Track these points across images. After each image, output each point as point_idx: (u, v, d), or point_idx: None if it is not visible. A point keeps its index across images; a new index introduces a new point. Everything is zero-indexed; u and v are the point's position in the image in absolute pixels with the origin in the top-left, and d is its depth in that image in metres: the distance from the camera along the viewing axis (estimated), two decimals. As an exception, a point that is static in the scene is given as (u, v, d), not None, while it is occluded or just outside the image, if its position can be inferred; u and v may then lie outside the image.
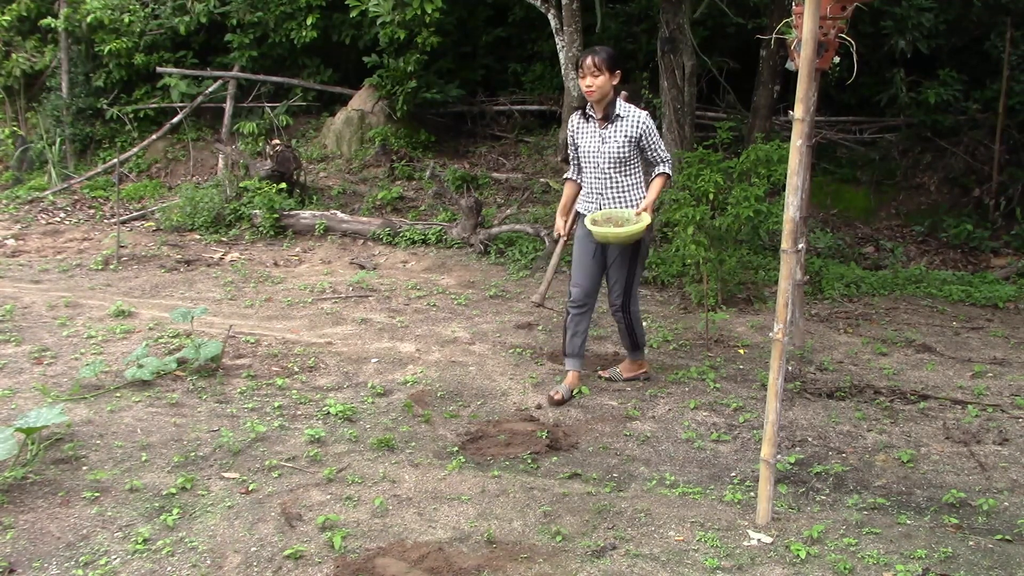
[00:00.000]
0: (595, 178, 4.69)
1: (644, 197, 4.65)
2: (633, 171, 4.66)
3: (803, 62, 3.24)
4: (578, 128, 4.73)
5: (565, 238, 5.16)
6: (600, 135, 4.62)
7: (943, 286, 7.35)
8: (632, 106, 4.65)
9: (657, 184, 4.66)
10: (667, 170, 4.65)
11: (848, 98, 9.67)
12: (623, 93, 4.97)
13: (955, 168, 9.32)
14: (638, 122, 4.58)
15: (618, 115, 4.59)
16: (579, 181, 4.84)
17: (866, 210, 9.27)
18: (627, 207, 4.65)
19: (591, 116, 4.65)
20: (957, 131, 9.43)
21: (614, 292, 4.86)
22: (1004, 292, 7.19)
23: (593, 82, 4.49)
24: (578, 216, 4.84)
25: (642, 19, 10.52)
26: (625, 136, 4.58)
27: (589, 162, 4.68)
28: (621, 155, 4.59)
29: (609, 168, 4.62)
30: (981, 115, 9.34)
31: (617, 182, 4.65)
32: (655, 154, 4.66)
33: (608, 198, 4.67)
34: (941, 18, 8.76)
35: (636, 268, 4.81)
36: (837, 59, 5.29)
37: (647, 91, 9.61)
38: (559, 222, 4.98)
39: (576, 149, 4.77)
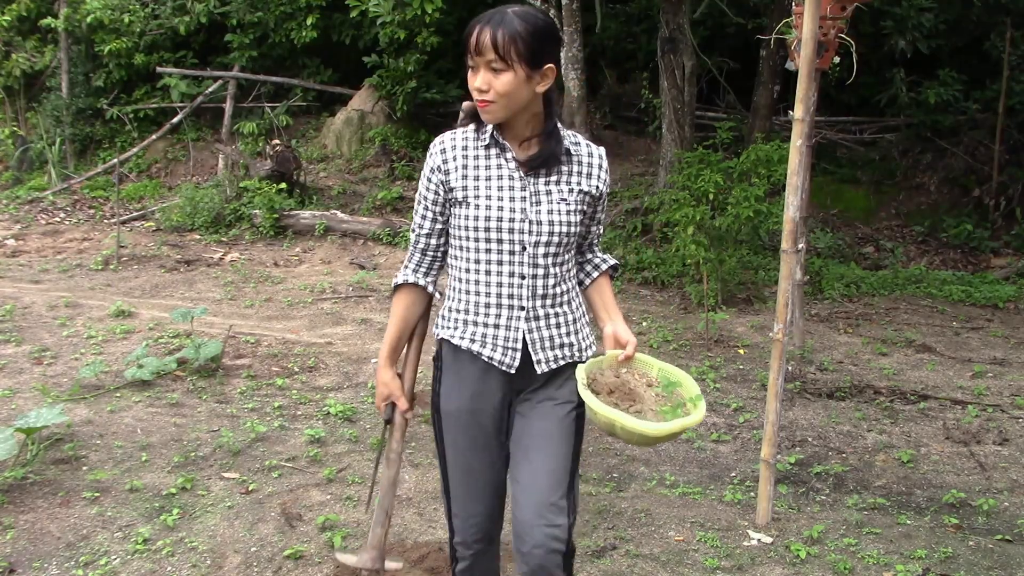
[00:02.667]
0: (509, 275, 2.22)
1: (582, 307, 2.38)
2: (570, 259, 2.33)
3: (803, 62, 3.24)
4: (463, 167, 2.22)
5: (409, 415, 2.44)
6: (528, 187, 2.21)
7: (943, 286, 7.35)
8: (578, 135, 2.36)
9: (610, 289, 2.43)
10: (612, 260, 2.46)
11: (848, 98, 9.68)
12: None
13: (955, 168, 9.32)
14: (602, 168, 2.31)
15: (566, 150, 2.25)
16: (431, 287, 2.34)
17: (866, 210, 9.27)
18: (567, 329, 2.29)
19: (500, 145, 2.22)
20: (957, 131, 9.43)
21: (541, 506, 2.19)
22: (1004, 292, 7.19)
23: (491, 82, 2.10)
24: (461, 354, 2.29)
25: (642, 19, 10.52)
26: (582, 193, 2.26)
27: (498, 239, 2.20)
28: (570, 228, 2.24)
29: (545, 255, 2.22)
30: (981, 115, 9.34)
31: (554, 278, 2.25)
32: (598, 228, 2.42)
33: (537, 315, 2.24)
34: (941, 18, 8.77)
35: (579, 450, 2.35)
36: (837, 59, 5.29)
37: (647, 91, 9.61)
38: (389, 381, 2.38)
39: (445, 211, 2.26)
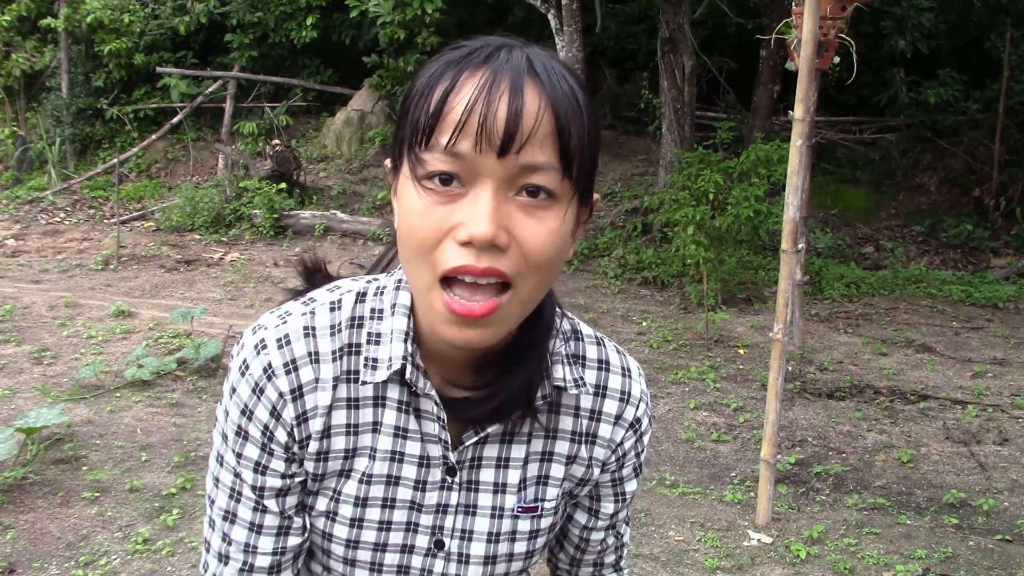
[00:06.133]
0: None
1: None
2: None
3: (803, 62, 3.24)
4: (325, 427, 0.90)
5: None
6: (457, 479, 0.94)
7: (943, 286, 7.35)
8: (593, 338, 0.99)
9: None
10: None
11: (848, 98, 9.67)
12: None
13: (955, 168, 9.32)
14: (627, 420, 0.99)
15: (558, 386, 0.93)
16: None
17: (866, 210, 9.27)
18: None
19: (412, 378, 0.88)
20: (957, 131, 9.43)
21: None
22: (1004, 292, 7.19)
23: (517, 231, 0.78)
24: None
25: (642, 19, 10.52)
26: (573, 482, 1.00)
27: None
28: (529, 556, 1.00)
29: None
30: (981, 115, 9.34)
31: None
32: (615, 542, 1.11)
33: None
34: (941, 18, 8.77)
35: None
36: (837, 59, 5.29)
37: (647, 91, 9.61)
38: None
39: (292, 500, 0.93)
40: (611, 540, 1.09)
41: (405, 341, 0.88)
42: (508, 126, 0.74)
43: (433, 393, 0.89)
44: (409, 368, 0.88)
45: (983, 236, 8.60)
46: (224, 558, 0.93)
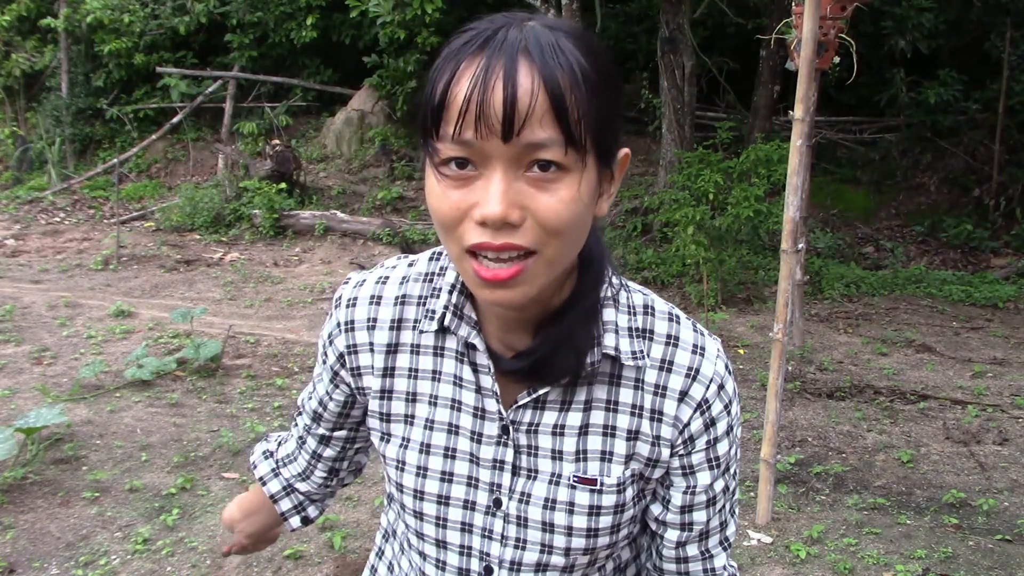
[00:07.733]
0: None
1: None
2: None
3: (803, 62, 3.24)
4: (386, 367, 1.02)
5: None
6: (510, 437, 0.98)
7: (943, 286, 7.35)
8: (665, 310, 0.99)
9: None
10: None
11: (848, 98, 9.68)
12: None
13: (955, 168, 9.33)
14: (698, 400, 0.97)
15: (609, 355, 0.95)
16: (294, 517, 1.33)
17: (866, 210, 9.27)
18: None
19: (464, 332, 0.97)
20: (957, 131, 9.44)
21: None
22: (1004, 292, 7.19)
23: (529, 204, 0.82)
24: None
25: (642, 19, 10.53)
26: (637, 460, 0.98)
27: (439, 541, 1.03)
28: (595, 541, 0.99)
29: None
30: (981, 115, 9.35)
31: None
32: (702, 544, 1.05)
33: None
34: (941, 18, 8.77)
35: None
36: (837, 59, 5.28)
37: (647, 91, 9.61)
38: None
39: (351, 411, 1.13)
40: (693, 551, 1.05)
41: (451, 293, 0.97)
42: (505, 111, 0.79)
43: (477, 342, 0.96)
44: (448, 316, 0.96)
45: (983, 236, 8.60)
46: (298, 411, 1.20)
